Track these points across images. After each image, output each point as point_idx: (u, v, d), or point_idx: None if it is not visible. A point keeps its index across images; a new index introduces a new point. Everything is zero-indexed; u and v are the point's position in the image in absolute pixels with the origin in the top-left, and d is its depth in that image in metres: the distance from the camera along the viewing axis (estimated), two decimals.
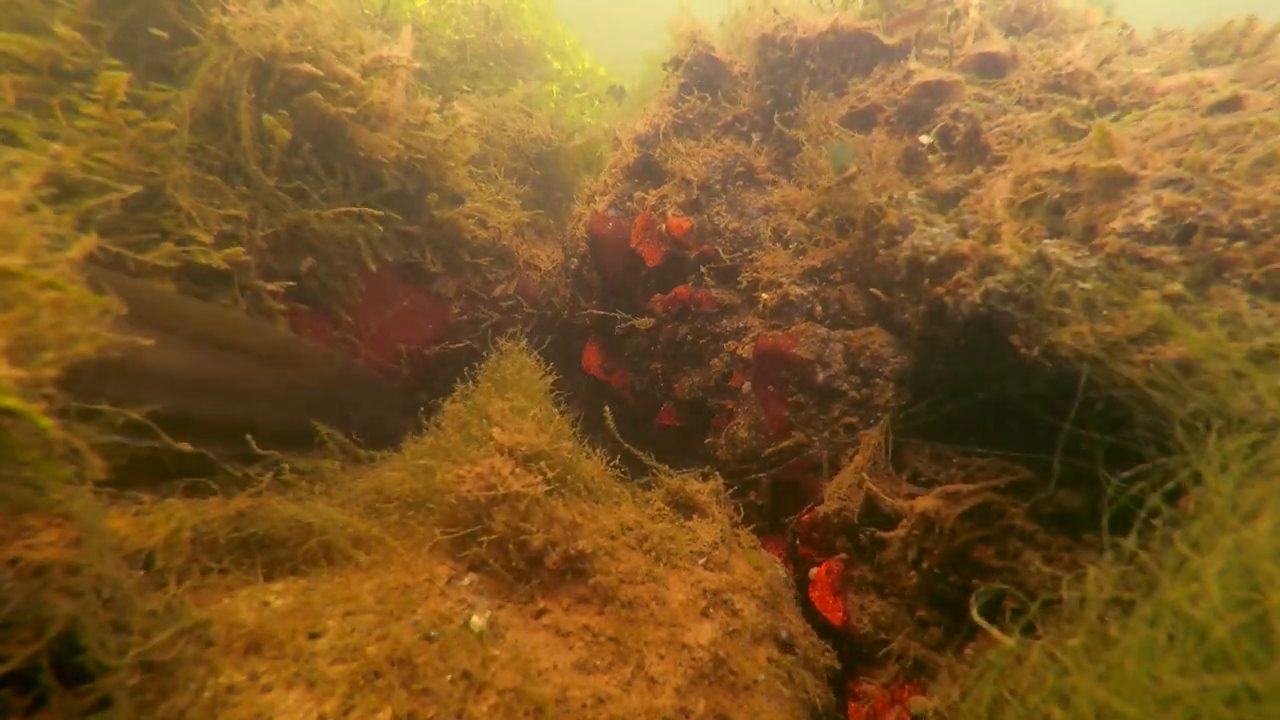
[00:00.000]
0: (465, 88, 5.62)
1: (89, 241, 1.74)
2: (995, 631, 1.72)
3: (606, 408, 3.12)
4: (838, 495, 2.59)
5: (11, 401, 1.38)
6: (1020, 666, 1.65)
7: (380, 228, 3.24)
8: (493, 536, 2.12)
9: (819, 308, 3.04)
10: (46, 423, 1.44)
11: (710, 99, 3.84)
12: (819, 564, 2.59)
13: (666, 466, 2.88)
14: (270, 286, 2.82)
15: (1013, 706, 1.60)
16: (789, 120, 3.66)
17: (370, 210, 3.20)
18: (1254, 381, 1.55)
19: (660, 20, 4.11)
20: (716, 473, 2.91)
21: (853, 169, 2.98)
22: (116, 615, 1.43)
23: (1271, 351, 1.62)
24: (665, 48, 4.02)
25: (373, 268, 3.26)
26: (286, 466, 2.45)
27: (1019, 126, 2.73)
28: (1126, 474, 1.69)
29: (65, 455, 1.56)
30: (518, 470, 2.19)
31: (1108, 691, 1.37)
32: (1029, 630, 1.78)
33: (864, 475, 2.52)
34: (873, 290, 2.86)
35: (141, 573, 1.73)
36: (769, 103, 3.75)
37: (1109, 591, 1.62)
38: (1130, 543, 1.60)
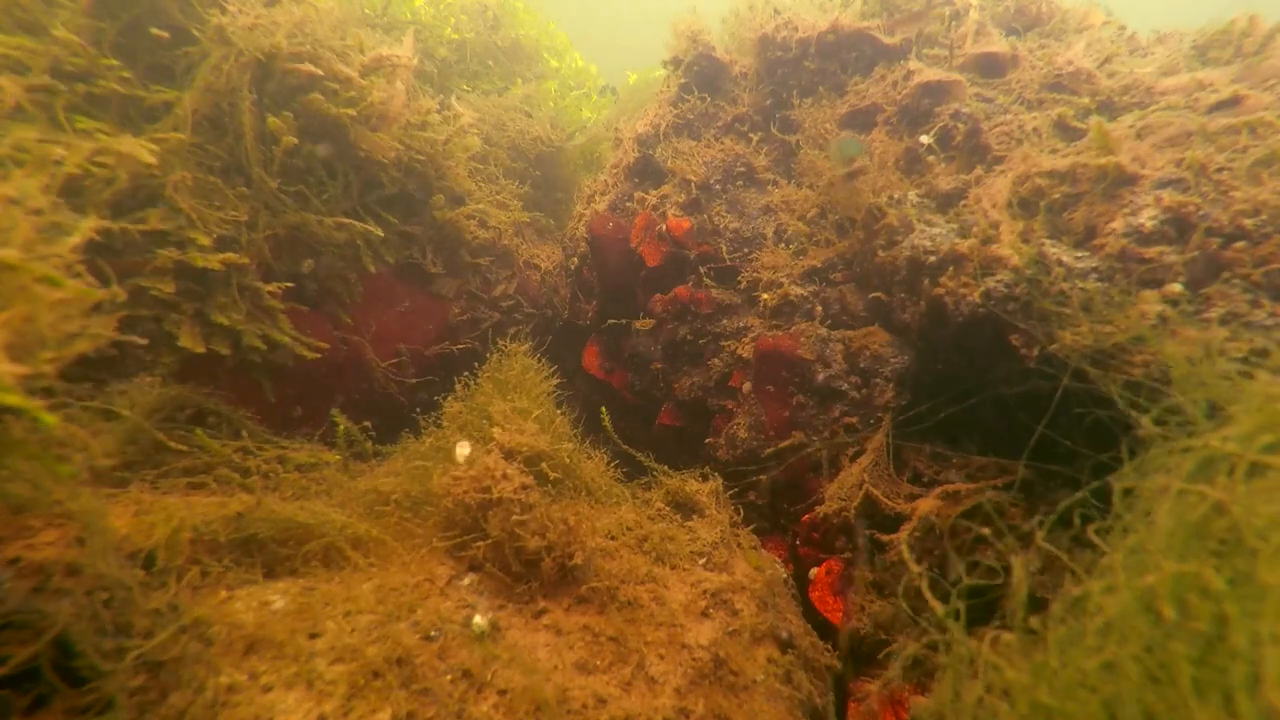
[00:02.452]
0: (465, 87, 5.63)
1: (89, 226, 1.73)
2: (957, 629, 1.73)
3: (604, 409, 3.12)
4: (838, 495, 2.59)
5: (14, 398, 1.38)
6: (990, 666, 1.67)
7: (379, 234, 3.24)
8: (489, 541, 2.12)
9: (819, 308, 3.03)
10: (51, 419, 1.44)
11: (710, 99, 3.84)
12: (819, 564, 2.59)
13: (665, 467, 2.88)
14: (269, 288, 2.82)
15: (962, 704, 1.62)
16: (789, 120, 3.66)
17: (371, 221, 3.20)
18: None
19: (654, 18, 4.11)
20: (716, 473, 2.91)
21: (858, 163, 2.97)
22: (118, 615, 1.43)
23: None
24: (665, 46, 4.02)
25: (372, 269, 3.26)
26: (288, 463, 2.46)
27: (1019, 126, 2.73)
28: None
29: (68, 450, 1.56)
30: (510, 471, 2.18)
31: (1036, 683, 1.42)
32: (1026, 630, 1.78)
33: (864, 476, 2.52)
34: (873, 291, 2.86)
35: (142, 573, 1.73)
36: (769, 103, 3.75)
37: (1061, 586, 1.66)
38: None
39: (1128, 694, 1.28)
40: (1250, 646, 1.20)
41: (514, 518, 2.10)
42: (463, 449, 2.02)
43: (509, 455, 2.25)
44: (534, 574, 2.15)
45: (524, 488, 2.15)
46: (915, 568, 2.12)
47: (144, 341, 2.47)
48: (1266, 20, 2.75)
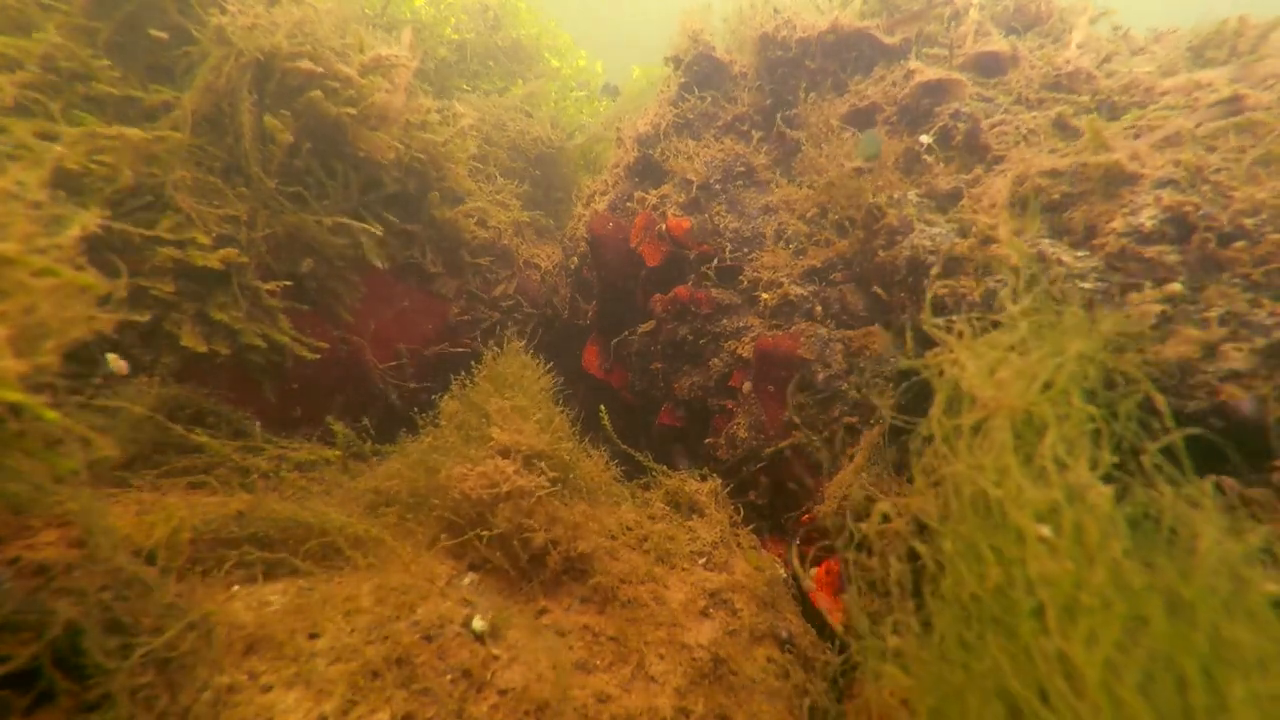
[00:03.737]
0: (465, 87, 5.63)
1: (89, 218, 1.73)
2: (869, 635, 1.77)
3: (603, 408, 3.12)
4: (837, 495, 2.59)
5: (15, 395, 1.38)
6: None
7: (378, 232, 3.24)
8: (495, 532, 2.12)
9: (819, 308, 3.03)
10: (52, 415, 1.44)
11: (711, 98, 3.84)
12: (818, 563, 2.59)
13: (665, 467, 2.88)
14: (268, 286, 2.82)
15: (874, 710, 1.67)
16: (789, 120, 3.66)
17: (371, 221, 3.20)
18: None
19: (654, 18, 4.12)
20: (716, 473, 2.92)
21: (865, 164, 2.97)
22: (122, 612, 1.43)
23: None
24: (668, 45, 4.02)
25: (378, 264, 3.25)
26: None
27: (1019, 126, 2.73)
28: None
29: (69, 446, 1.56)
30: (522, 470, 2.20)
31: (927, 689, 1.45)
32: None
33: (863, 475, 2.52)
34: (874, 290, 2.86)
35: (151, 570, 1.73)
36: (769, 102, 3.75)
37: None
38: None
39: (993, 681, 1.31)
40: (1025, 595, 1.25)
41: (523, 507, 2.12)
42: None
43: (509, 454, 2.25)
44: (537, 570, 2.15)
45: (535, 484, 2.18)
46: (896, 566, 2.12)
47: (145, 318, 2.46)
48: (1257, 19, 2.76)
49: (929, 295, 2.15)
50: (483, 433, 2.38)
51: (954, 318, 1.84)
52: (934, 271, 2.31)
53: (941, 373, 1.65)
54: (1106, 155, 2.15)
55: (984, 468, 1.41)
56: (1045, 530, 1.28)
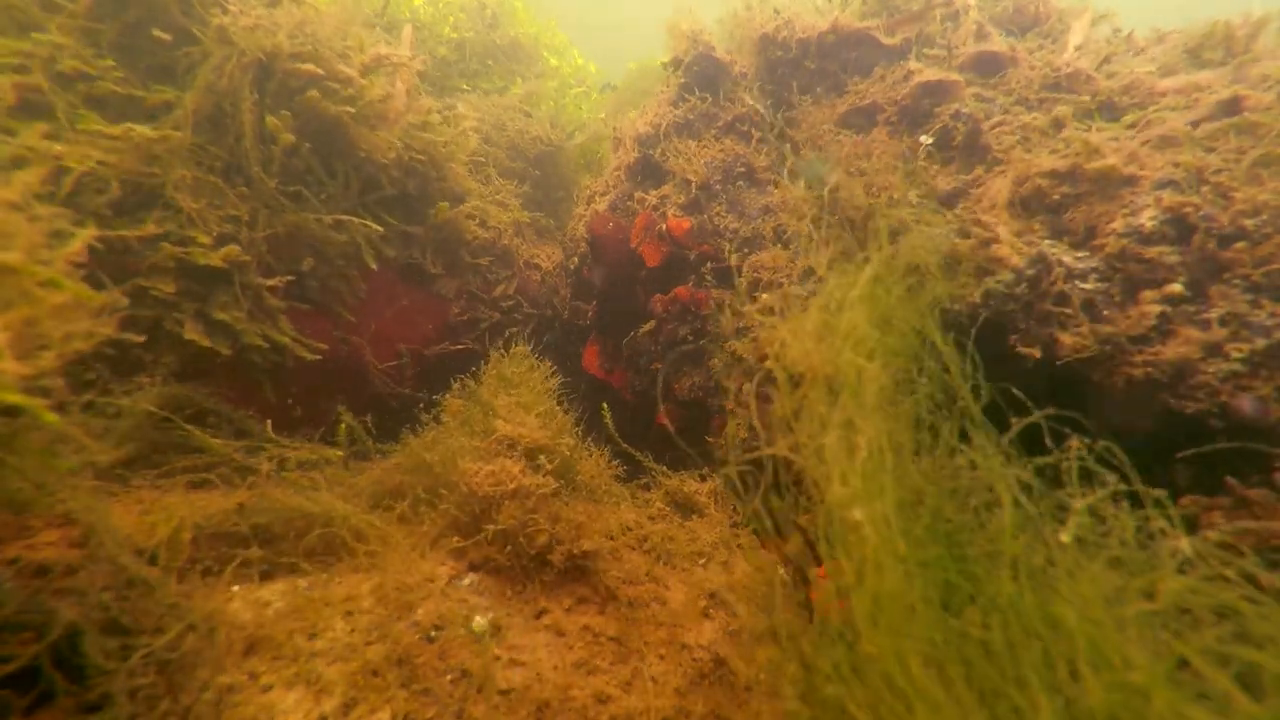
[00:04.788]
0: (465, 86, 5.63)
1: (89, 234, 1.74)
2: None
3: (605, 405, 3.12)
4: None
5: (15, 396, 1.38)
6: None
7: (379, 229, 3.24)
8: (499, 527, 2.13)
9: None
10: (52, 418, 1.44)
11: (711, 99, 3.84)
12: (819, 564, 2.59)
13: (665, 467, 2.88)
14: (269, 283, 2.82)
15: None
16: (790, 120, 3.66)
17: (370, 216, 3.20)
18: None
19: (651, 19, 4.12)
20: (715, 473, 2.91)
21: (832, 179, 2.97)
22: (124, 613, 1.43)
23: None
24: (663, 48, 4.02)
25: (374, 266, 3.25)
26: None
27: (1019, 126, 2.73)
28: None
29: (69, 447, 1.56)
30: (527, 470, 2.21)
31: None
32: None
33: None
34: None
35: (154, 571, 1.73)
36: (769, 102, 3.75)
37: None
38: None
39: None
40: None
41: (528, 504, 2.13)
42: None
43: (512, 446, 2.27)
44: (540, 569, 2.16)
45: (540, 483, 2.19)
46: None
47: (140, 339, 2.47)
48: (1249, 18, 2.77)
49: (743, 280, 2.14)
50: (486, 426, 2.39)
51: (762, 294, 1.79)
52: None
53: (765, 357, 1.61)
54: (1101, 160, 2.15)
55: (817, 414, 1.34)
56: (857, 513, 1.21)
